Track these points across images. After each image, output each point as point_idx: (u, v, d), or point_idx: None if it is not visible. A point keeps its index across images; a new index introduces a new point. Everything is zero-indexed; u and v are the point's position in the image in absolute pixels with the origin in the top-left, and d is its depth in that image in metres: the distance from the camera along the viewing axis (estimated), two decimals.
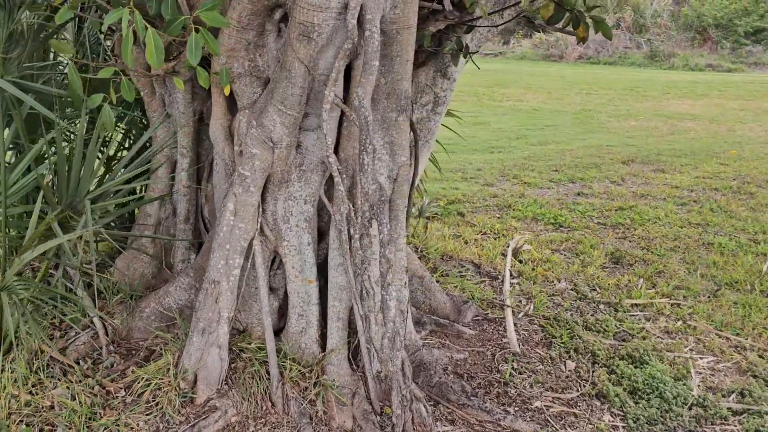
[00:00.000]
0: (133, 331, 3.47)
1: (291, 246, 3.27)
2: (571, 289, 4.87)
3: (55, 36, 3.29)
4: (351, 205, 3.12)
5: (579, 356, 3.95)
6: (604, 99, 15.54)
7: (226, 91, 3.17)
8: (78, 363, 3.24)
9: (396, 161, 3.26)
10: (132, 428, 2.91)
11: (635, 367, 3.83)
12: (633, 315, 4.54)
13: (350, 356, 3.33)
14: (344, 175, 3.18)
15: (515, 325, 4.26)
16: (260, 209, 3.18)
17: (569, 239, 5.89)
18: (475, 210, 6.75)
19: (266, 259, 3.29)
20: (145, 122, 3.94)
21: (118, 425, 2.92)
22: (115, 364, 3.27)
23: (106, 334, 3.37)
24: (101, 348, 3.36)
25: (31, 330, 3.19)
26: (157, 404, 3.03)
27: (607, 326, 4.30)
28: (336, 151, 3.20)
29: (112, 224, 3.90)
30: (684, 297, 4.85)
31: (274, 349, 3.21)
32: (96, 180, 3.22)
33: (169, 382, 3.10)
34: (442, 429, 3.19)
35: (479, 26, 3.75)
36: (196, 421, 3.00)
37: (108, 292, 3.57)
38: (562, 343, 4.07)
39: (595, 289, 4.91)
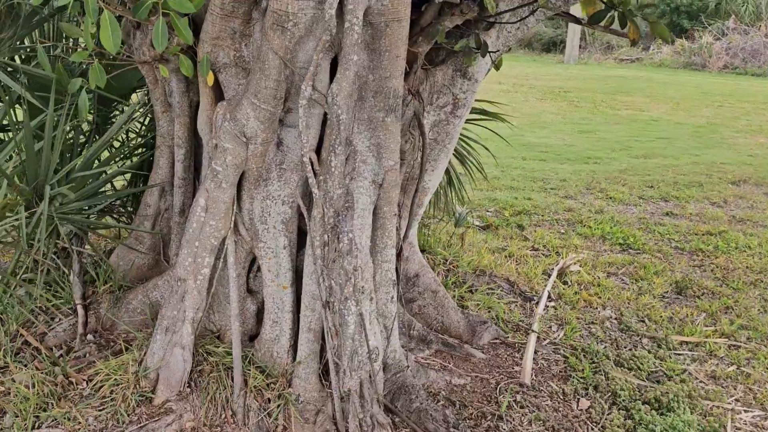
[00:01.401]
0: (117, 322, 3.41)
1: (267, 248, 3.09)
2: (615, 319, 4.41)
3: (52, 19, 3.29)
4: (324, 210, 2.90)
5: (597, 395, 3.54)
6: (736, 113, 14.33)
7: (209, 81, 3.04)
8: (51, 350, 3.21)
9: (382, 165, 3.01)
10: (79, 423, 2.83)
11: (659, 414, 3.39)
12: (679, 354, 4.04)
13: (322, 371, 3.11)
14: (322, 177, 2.96)
15: (536, 352, 3.89)
16: (234, 207, 3.03)
17: (633, 263, 5.39)
18: (539, 223, 6.33)
19: (241, 259, 3.13)
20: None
21: (68, 418, 2.84)
22: (87, 354, 3.21)
23: (86, 324, 3.32)
24: (86, 335, 3.32)
25: (9, 312, 3.19)
26: (112, 401, 2.94)
27: (642, 364, 3.84)
28: (318, 151, 2.99)
29: (118, 213, 3.88)
30: (747, 339, 4.28)
31: (240, 354, 3.04)
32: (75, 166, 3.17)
33: (129, 379, 3.00)
34: None
35: (499, 22, 3.42)
36: (147, 422, 2.88)
37: (100, 281, 3.53)
38: (582, 378, 3.66)
39: (643, 321, 4.43)
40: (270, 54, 2.79)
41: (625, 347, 4.06)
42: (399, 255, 3.46)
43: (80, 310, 3.33)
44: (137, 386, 3.00)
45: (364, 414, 2.82)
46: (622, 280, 5.10)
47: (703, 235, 6.28)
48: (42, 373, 3.03)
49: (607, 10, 3.43)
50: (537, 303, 4.47)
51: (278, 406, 3.00)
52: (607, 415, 3.39)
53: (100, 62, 2.92)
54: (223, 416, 2.99)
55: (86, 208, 3.27)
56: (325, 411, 2.99)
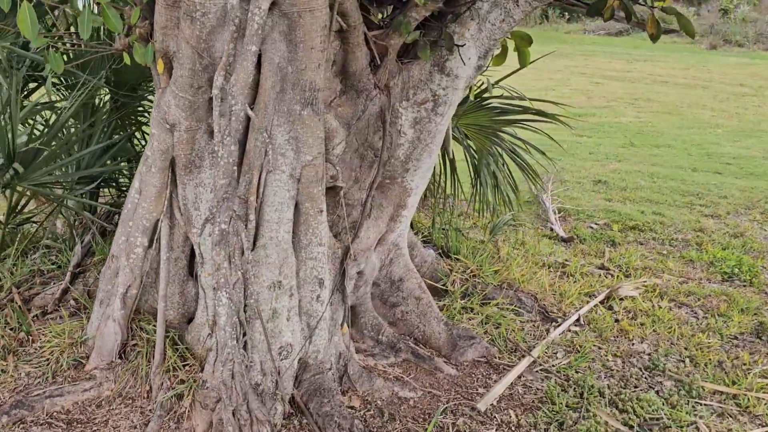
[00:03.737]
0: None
1: (199, 233, 3.15)
2: (648, 354, 3.86)
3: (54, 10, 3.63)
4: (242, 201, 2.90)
5: None
6: None
7: (159, 69, 3.17)
8: (29, 310, 3.55)
9: (300, 159, 2.94)
10: (11, 377, 3.12)
11: None
12: (702, 404, 3.44)
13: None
14: (247, 167, 2.96)
15: (520, 377, 3.54)
16: (168, 192, 3.13)
17: (723, 295, 4.65)
18: (644, 241, 5.68)
19: (180, 243, 3.23)
20: None
21: (3, 371, 3.15)
22: (59, 318, 3.51)
23: (66, 289, 3.62)
24: (68, 301, 3.64)
25: (12, 272, 3.60)
26: (47, 361, 3.20)
27: (641, 408, 3.33)
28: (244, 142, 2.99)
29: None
30: None
31: (162, 333, 3.15)
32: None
33: (67, 343, 3.24)
34: None
35: (459, 14, 3.17)
36: (66, 385, 3.09)
37: (98, 252, 3.84)
38: (553, 412, 3.27)
39: (682, 361, 3.82)
40: (183, 44, 2.85)
41: (634, 387, 3.54)
42: (346, 255, 3.34)
43: (67, 277, 3.65)
44: (74, 351, 3.23)
45: (233, 406, 2.78)
46: (694, 313, 4.43)
47: None
48: (8, 328, 3.38)
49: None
50: (558, 325, 4.05)
51: (189, 388, 3.05)
52: None
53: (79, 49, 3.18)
54: (140, 390, 3.12)
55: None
56: (226, 400, 2.99)
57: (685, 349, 3.94)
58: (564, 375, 3.59)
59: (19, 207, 4.15)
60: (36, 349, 3.29)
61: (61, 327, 3.34)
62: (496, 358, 3.68)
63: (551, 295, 4.36)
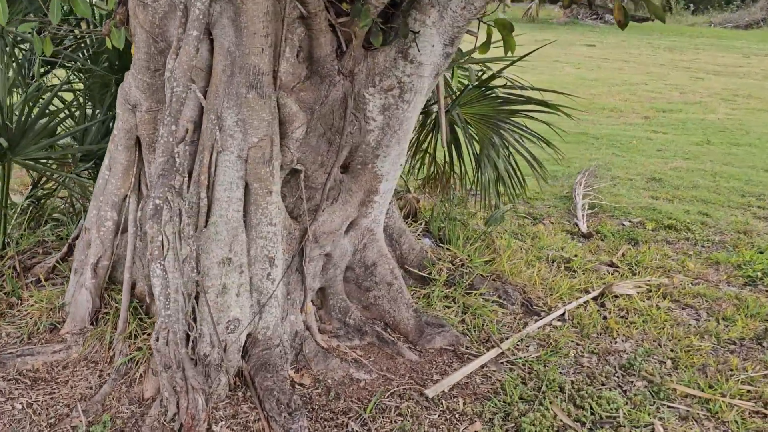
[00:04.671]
0: None
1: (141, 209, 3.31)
2: (628, 353, 3.74)
3: None
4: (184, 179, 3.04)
5: (501, 423, 3.11)
6: None
7: (133, 52, 3.35)
8: (26, 277, 3.83)
9: (247, 141, 3.05)
10: None
11: None
12: (668, 406, 3.32)
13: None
14: (201, 147, 3.10)
15: (482, 367, 3.53)
16: (136, 169, 3.31)
17: (735, 299, 4.42)
18: (674, 241, 5.46)
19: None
20: None
21: None
22: (52, 285, 3.77)
23: (63, 258, 3.88)
24: (64, 271, 3.90)
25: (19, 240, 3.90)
26: (26, 324, 3.46)
27: (599, 406, 3.26)
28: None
29: None
30: None
31: (127, 302, 3.34)
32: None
33: (45, 308, 3.49)
34: (218, 428, 2.94)
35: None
36: (37, 346, 3.33)
37: None
38: (504, 402, 3.24)
39: (662, 363, 3.68)
40: (138, 28, 3.01)
41: (601, 384, 3.45)
42: (303, 238, 3.42)
43: (64, 248, 3.91)
44: (51, 316, 3.47)
45: (169, 374, 2.92)
46: (696, 315, 4.24)
47: None
48: (3, 292, 3.66)
49: None
50: (539, 319, 3.98)
51: (144, 355, 3.23)
52: None
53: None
54: (103, 355, 3.32)
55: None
56: (174, 369, 3.14)
57: (671, 350, 3.80)
58: (529, 368, 3.54)
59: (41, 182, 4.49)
60: (20, 311, 3.55)
61: (44, 293, 3.59)
62: (464, 347, 3.67)
63: (541, 288, 4.28)
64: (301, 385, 3.29)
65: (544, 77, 14.90)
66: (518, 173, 4.74)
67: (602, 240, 5.36)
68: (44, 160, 3.89)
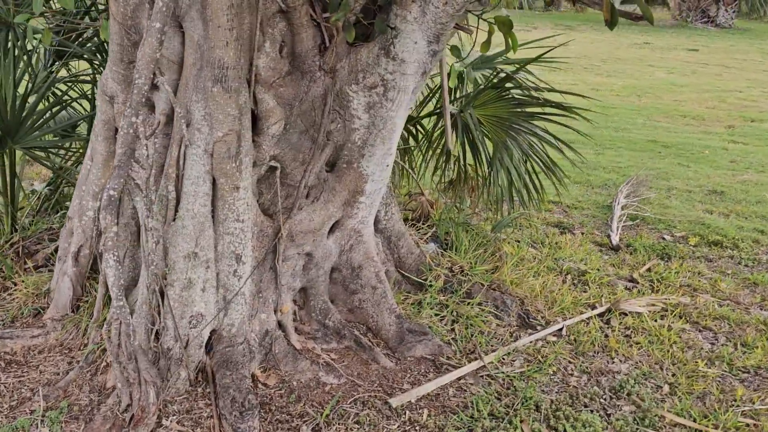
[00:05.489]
0: None
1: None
2: (623, 374, 3.50)
3: None
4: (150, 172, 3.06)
5: None
6: None
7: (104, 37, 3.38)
8: (25, 262, 3.95)
9: (213, 136, 3.02)
10: None
11: None
12: None
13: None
14: (172, 140, 3.10)
15: (460, 379, 3.38)
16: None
17: (763, 324, 4.09)
18: (715, 258, 5.11)
19: (127, 209, 3.42)
20: None
21: None
22: (49, 271, 3.87)
23: None
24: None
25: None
26: (11, 307, 3.56)
27: (572, 429, 3.06)
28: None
29: None
30: None
31: (102, 293, 3.37)
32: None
33: (36, 294, 3.58)
34: (168, 422, 2.93)
35: None
36: (18, 330, 3.42)
37: None
38: (469, 418, 3.09)
39: (660, 387, 3.43)
40: (112, 20, 3.04)
41: (583, 406, 3.24)
42: (277, 235, 3.37)
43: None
44: (37, 301, 3.56)
45: (121, 365, 2.92)
46: (714, 339, 3.94)
47: None
48: (0, 276, 3.79)
49: None
50: (533, 332, 3.79)
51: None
52: None
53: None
54: (78, 342, 3.37)
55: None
56: (135, 361, 3.15)
57: (672, 375, 3.53)
58: (508, 383, 3.37)
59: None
60: (10, 295, 3.66)
61: (32, 279, 3.69)
62: (446, 357, 3.53)
63: (542, 301, 4.08)
64: (265, 385, 3.24)
65: (627, 81, 14.40)
66: (534, 179, 4.54)
67: (631, 254, 5.07)
68: (47, 149, 4.00)
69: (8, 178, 3.93)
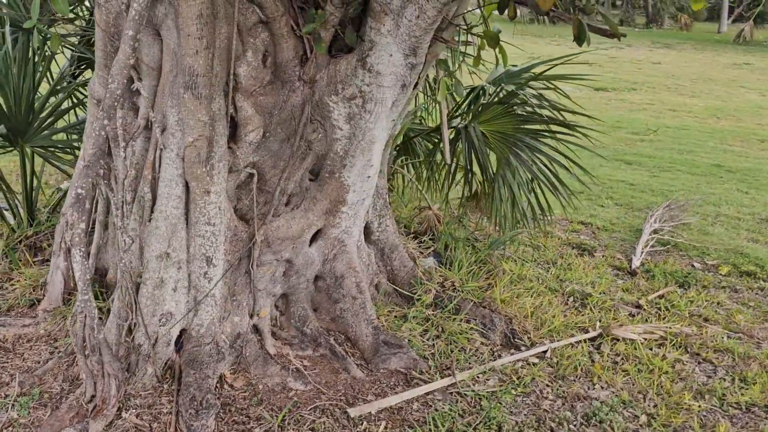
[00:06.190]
0: None
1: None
2: (599, 400, 3.39)
3: None
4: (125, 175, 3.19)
5: None
6: None
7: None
8: (35, 255, 4.16)
9: (185, 140, 3.13)
10: None
11: None
12: None
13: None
14: (156, 140, 3.22)
15: (426, 395, 3.35)
16: (104, 162, 3.49)
17: (766, 360, 3.89)
18: (743, 290, 4.87)
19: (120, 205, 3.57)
20: None
21: None
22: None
23: None
24: None
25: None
26: (9, 297, 3.75)
27: None
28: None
29: None
30: None
31: (84, 287, 3.52)
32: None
33: (34, 286, 3.77)
34: (128, 415, 3.03)
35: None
36: (10, 318, 3.61)
37: None
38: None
39: (636, 417, 3.31)
40: (97, 27, 3.20)
41: (549, 430, 3.16)
42: (252, 240, 3.43)
43: None
44: (34, 292, 3.74)
45: (93, 361, 3.02)
46: (712, 372, 3.76)
47: None
48: (8, 268, 4.01)
49: None
50: (515, 353, 3.71)
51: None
52: None
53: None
54: (63, 334, 3.53)
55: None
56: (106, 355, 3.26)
57: (654, 406, 3.40)
58: (476, 402, 3.31)
59: None
60: (12, 285, 3.86)
61: (32, 271, 3.88)
62: (419, 372, 3.50)
63: (532, 321, 3.99)
64: (231, 386, 3.30)
65: (711, 102, 13.92)
66: (538, 194, 4.46)
67: (647, 279, 4.90)
68: (53, 148, 4.22)
69: (28, 176, 4.15)
